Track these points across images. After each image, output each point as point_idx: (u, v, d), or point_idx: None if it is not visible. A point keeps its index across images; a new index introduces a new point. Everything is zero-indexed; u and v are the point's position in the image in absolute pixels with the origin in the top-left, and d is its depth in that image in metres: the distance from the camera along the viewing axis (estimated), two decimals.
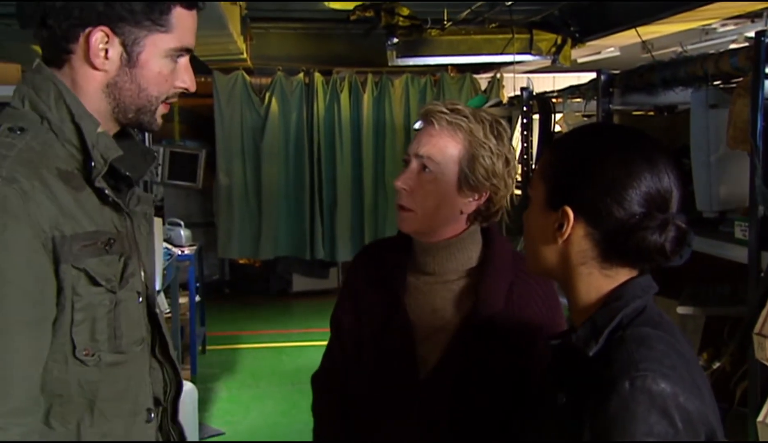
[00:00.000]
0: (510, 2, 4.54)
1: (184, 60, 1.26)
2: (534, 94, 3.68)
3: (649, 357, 1.01)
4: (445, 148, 1.43)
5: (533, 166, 3.59)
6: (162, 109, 1.27)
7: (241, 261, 7.54)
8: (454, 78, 7.11)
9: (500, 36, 5.28)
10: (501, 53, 5.31)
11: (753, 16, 4.38)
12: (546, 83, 6.30)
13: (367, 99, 7.07)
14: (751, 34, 2.48)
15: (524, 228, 1.18)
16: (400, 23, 5.02)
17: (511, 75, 6.32)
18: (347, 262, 7.62)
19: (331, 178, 7.13)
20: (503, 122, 1.51)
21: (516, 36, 5.22)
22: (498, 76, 7.04)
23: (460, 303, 1.48)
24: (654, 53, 4.09)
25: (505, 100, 4.76)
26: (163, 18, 1.20)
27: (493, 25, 5.32)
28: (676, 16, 4.00)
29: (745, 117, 1.86)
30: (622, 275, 1.10)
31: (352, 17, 5.01)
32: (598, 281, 1.10)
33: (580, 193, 1.08)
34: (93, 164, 1.18)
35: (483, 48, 5.35)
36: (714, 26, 4.79)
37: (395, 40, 5.25)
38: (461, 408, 1.43)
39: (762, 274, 1.79)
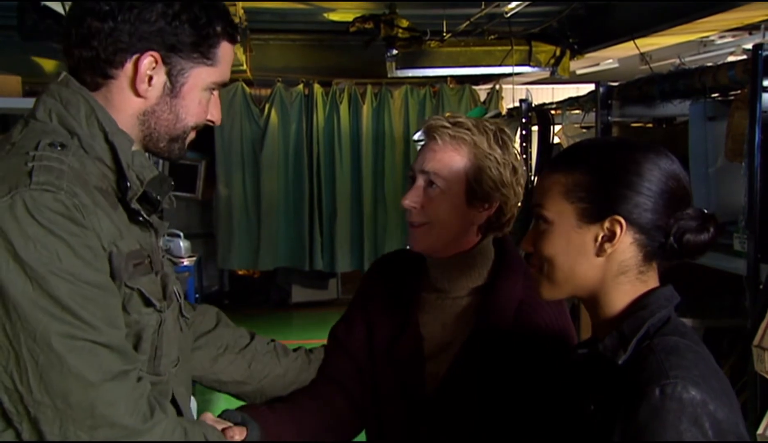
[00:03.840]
0: (509, 14, 4.56)
1: (216, 93, 1.24)
2: (533, 105, 3.69)
3: (679, 365, 1.01)
4: (450, 162, 1.41)
5: (532, 178, 3.59)
6: (192, 137, 1.24)
7: (240, 273, 7.53)
8: (453, 89, 7.12)
9: (499, 47, 5.30)
10: (500, 65, 5.33)
11: (751, 28, 4.40)
12: (545, 95, 6.32)
13: (366, 110, 7.08)
14: (749, 46, 2.49)
15: (541, 255, 1.14)
16: (400, 35, 5.04)
17: (510, 86, 6.34)
18: (346, 273, 7.62)
19: (331, 188, 7.13)
20: (508, 130, 1.50)
21: (515, 47, 5.24)
22: (497, 87, 7.06)
23: (469, 319, 1.46)
24: (652, 65, 4.11)
25: (504, 112, 4.77)
26: (211, 51, 1.18)
27: (492, 36, 5.35)
28: (675, 28, 4.02)
29: (743, 129, 1.87)
30: (653, 280, 1.12)
31: (352, 29, 5.03)
32: (632, 289, 1.12)
33: (628, 200, 1.09)
34: (129, 184, 1.13)
35: (482, 59, 5.38)
36: (712, 38, 4.81)
37: (394, 51, 5.28)
38: (468, 424, 1.41)
39: (761, 286, 1.79)
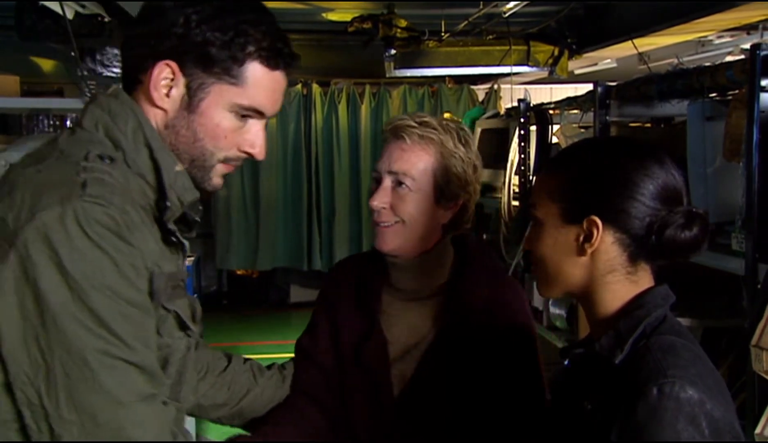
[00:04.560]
0: (507, 14, 4.56)
1: (256, 123, 1.14)
2: (531, 105, 3.69)
3: (677, 365, 1.02)
4: (419, 162, 1.41)
5: (531, 178, 3.59)
6: (222, 169, 1.15)
7: (239, 273, 7.53)
8: (451, 89, 7.13)
9: (497, 47, 5.30)
10: (498, 64, 5.33)
11: (749, 28, 4.41)
12: (543, 94, 6.32)
13: (365, 110, 7.09)
14: (747, 46, 2.49)
15: (535, 254, 1.17)
16: (398, 35, 5.04)
17: (509, 86, 6.34)
18: None
19: (329, 188, 7.14)
20: (467, 128, 1.52)
21: (513, 47, 5.24)
22: (495, 87, 7.06)
23: (436, 320, 1.46)
24: (650, 65, 4.11)
25: (502, 111, 4.77)
26: (235, 69, 1.09)
27: (491, 36, 5.34)
28: (673, 28, 4.02)
29: (741, 129, 1.87)
30: (645, 280, 1.13)
31: (350, 29, 5.03)
32: (623, 288, 1.12)
33: (604, 200, 1.10)
34: (168, 204, 1.09)
35: (480, 59, 5.38)
36: (710, 38, 4.82)
37: (393, 51, 5.27)
38: (438, 425, 1.41)
39: (759, 286, 1.79)
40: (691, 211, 1.10)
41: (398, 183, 1.41)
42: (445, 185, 1.42)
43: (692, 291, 2.29)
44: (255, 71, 1.11)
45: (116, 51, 4.32)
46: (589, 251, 1.11)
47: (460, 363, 1.42)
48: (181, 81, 1.09)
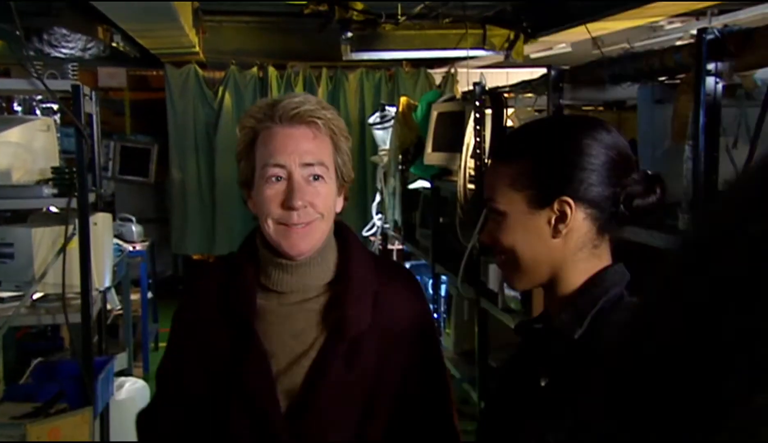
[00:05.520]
0: None
1: None
2: (486, 89, 3.70)
3: None
4: (327, 148, 1.30)
5: (486, 161, 3.61)
6: None
7: (195, 257, 7.45)
8: (408, 73, 7.12)
9: (454, 31, 5.31)
10: (455, 48, 5.34)
11: (698, 14, 4.49)
12: (500, 79, 6.34)
13: (321, 93, 7.04)
14: (696, 31, 2.53)
15: (501, 247, 1.15)
16: (354, 18, 5.01)
17: (465, 70, 6.36)
18: None
19: None
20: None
21: (469, 31, 5.25)
22: (452, 71, 7.08)
23: (323, 322, 1.31)
24: (604, 49, 4.17)
25: (458, 95, 4.78)
26: None
27: (447, 20, 5.35)
28: (625, 13, 4.08)
29: (689, 112, 1.90)
30: (606, 255, 1.15)
31: (306, 11, 4.99)
32: (589, 265, 1.13)
33: (570, 178, 1.10)
34: None
35: (437, 43, 5.38)
36: (661, 24, 4.90)
37: (349, 34, 5.25)
38: (335, 435, 1.28)
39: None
40: (647, 174, 1.13)
41: (314, 176, 1.27)
42: (345, 170, 1.33)
43: (641, 270, 2.33)
44: None
45: (64, 31, 4.21)
46: (564, 231, 1.11)
47: (356, 368, 1.29)
48: None
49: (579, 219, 1.11)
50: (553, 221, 1.11)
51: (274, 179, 1.27)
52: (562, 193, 1.10)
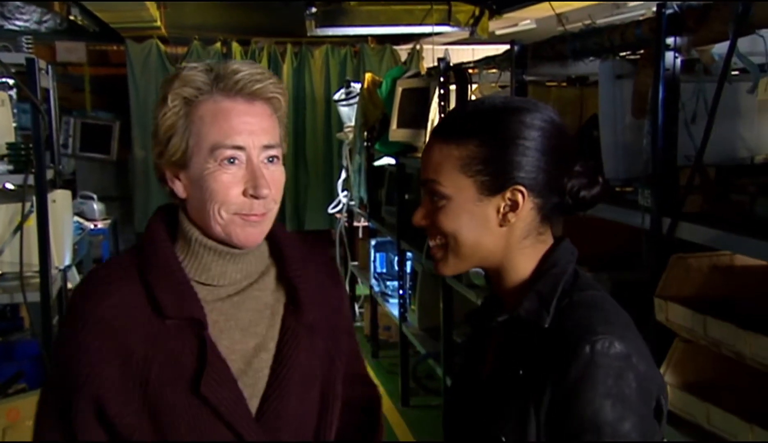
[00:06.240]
0: None
1: None
2: (451, 65, 3.69)
3: (605, 320, 1.04)
4: (279, 127, 1.18)
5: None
6: None
7: None
8: (374, 49, 7.07)
9: (419, 7, 5.28)
10: (420, 24, 5.31)
11: None
12: (466, 55, 6.33)
13: (286, 70, 6.96)
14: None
15: (441, 231, 1.11)
16: None
17: (431, 47, 6.34)
18: None
19: None
20: None
21: (434, 7, 5.23)
22: (418, 47, 7.04)
23: (269, 313, 1.20)
24: (568, 26, 4.17)
25: (424, 72, 4.76)
26: None
27: None
28: None
29: (648, 87, 1.92)
30: (550, 236, 1.14)
31: None
32: (535, 250, 1.12)
33: (523, 169, 1.08)
34: None
35: (402, 18, 5.34)
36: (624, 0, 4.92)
37: (314, 9, 5.18)
38: (308, 426, 1.21)
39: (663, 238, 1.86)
40: (589, 165, 1.12)
41: (270, 158, 1.15)
42: (284, 146, 1.21)
43: (603, 245, 2.36)
44: None
45: (18, 2, 4.09)
46: (513, 220, 1.09)
47: (315, 353, 1.22)
48: None
49: (526, 208, 1.10)
50: (502, 209, 1.09)
51: (228, 162, 1.11)
52: (514, 181, 1.08)
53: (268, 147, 1.14)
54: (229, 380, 1.12)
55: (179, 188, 1.16)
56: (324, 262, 1.33)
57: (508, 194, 1.09)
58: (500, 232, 1.10)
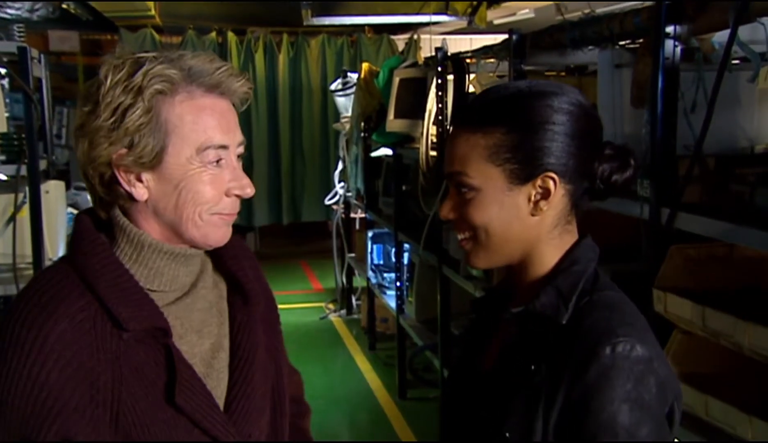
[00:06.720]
0: None
1: None
2: (448, 54, 3.66)
3: (625, 322, 1.01)
4: None
5: (448, 128, 3.59)
6: None
7: None
8: (371, 39, 7.04)
9: None
10: (417, 13, 5.28)
11: None
12: (464, 45, 6.30)
13: (282, 60, 6.93)
14: None
15: (471, 224, 1.07)
16: None
17: (429, 36, 6.30)
18: (264, 227, 7.52)
19: (246, 141, 6.98)
20: None
21: None
22: (415, 37, 7.01)
23: (217, 311, 1.16)
24: (566, 15, 4.14)
25: (421, 62, 4.73)
26: None
27: None
28: None
29: (647, 76, 1.89)
30: (575, 230, 1.11)
31: None
32: (562, 242, 1.09)
33: (553, 154, 1.04)
34: None
35: (399, 8, 5.32)
36: None
37: None
38: (266, 422, 1.18)
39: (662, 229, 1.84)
40: (620, 148, 1.09)
41: (239, 155, 1.13)
42: None
43: (601, 237, 2.35)
44: None
45: None
46: (545, 209, 1.06)
47: (264, 348, 1.19)
48: None
49: (558, 196, 1.06)
50: (533, 198, 1.06)
51: (215, 164, 1.06)
52: (545, 168, 1.04)
53: (240, 144, 1.12)
54: (200, 386, 1.07)
55: (140, 191, 1.06)
56: (249, 256, 1.28)
57: (539, 182, 1.05)
58: (531, 222, 1.07)
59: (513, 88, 1.09)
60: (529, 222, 1.07)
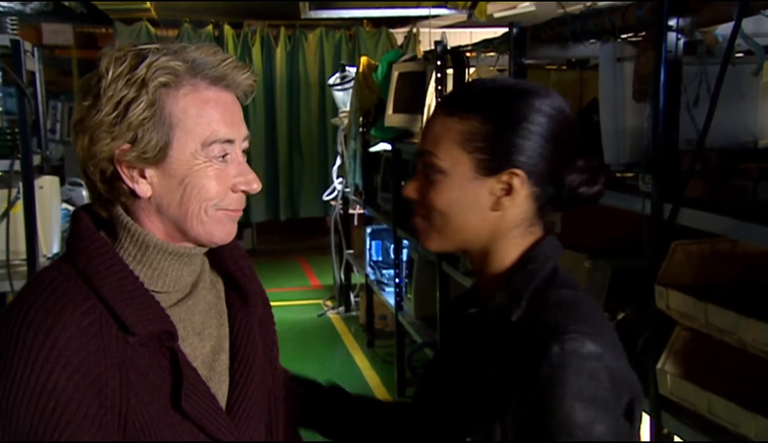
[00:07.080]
0: None
1: None
2: (448, 48, 3.63)
3: (577, 320, 1.00)
4: None
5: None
6: None
7: None
8: (369, 32, 7.01)
9: None
10: (416, 6, 5.25)
11: None
12: (463, 38, 6.26)
13: (280, 53, 6.90)
14: None
15: (430, 205, 1.07)
16: None
17: (428, 30, 6.27)
18: (262, 223, 7.50)
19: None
20: None
21: None
22: (414, 30, 6.98)
23: (216, 312, 1.14)
24: (567, 8, 4.11)
25: (420, 56, 4.70)
26: None
27: None
28: None
29: (650, 70, 1.87)
30: (539, 230, 1.10)
31: None
32: (522, 242, 1.08)
33: (524, 153, 1.04)
34: None
35: (398, 1, 5.29)
36: None
37: None
38: (264, 423, 1.16)
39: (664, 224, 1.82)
40: (592, 162, 1.09)
41: (243, 150, 1.09)
42: None
43: (603, 232, 2.32)
44: None
45: None
46: (507, 205, 1.06)
47: (262, 350, 1.18)
48: None
49: (522, 196, 1.06)
50: (497, 192, 1.05)
51: (221, 159, 1.04)
52: (514, 164, 1.04)
53: (245, 138, 1.09)
54: (204, 390, 1.05)
55: (143, 188, 1.03)
56: (243, 254, 1.25)
57: (504, 177, 1.05)
58: (490, 216, 1.07)
59: (499, 81, 1.10)
60: (488, 215, 1.06)
